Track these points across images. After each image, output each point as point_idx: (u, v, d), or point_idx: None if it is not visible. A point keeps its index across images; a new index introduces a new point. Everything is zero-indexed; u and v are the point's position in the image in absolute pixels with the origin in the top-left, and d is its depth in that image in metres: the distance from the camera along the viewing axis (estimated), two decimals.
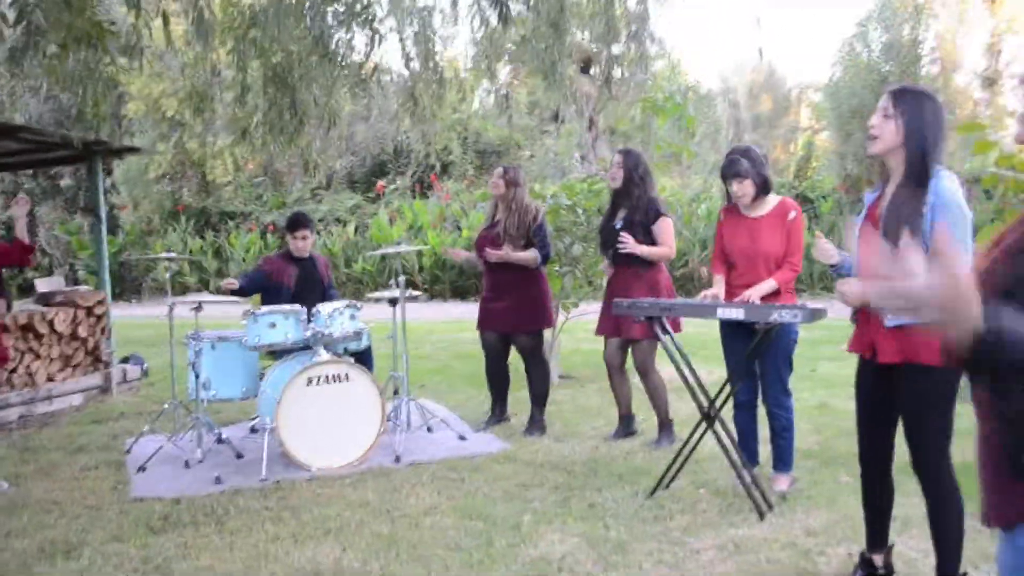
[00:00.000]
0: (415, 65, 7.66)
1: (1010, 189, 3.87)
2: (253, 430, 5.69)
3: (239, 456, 5.10)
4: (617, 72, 9.46)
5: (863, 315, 2.99)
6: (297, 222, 5.88)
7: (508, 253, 5.43)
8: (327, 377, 4.91)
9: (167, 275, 5.69)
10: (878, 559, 3.16)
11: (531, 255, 5.45)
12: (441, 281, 15.10)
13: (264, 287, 5.85)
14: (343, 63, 6.69)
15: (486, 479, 4.60)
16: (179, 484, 4.61)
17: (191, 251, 16.28)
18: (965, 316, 1.21)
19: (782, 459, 4.36)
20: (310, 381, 4.86)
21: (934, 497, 2.90)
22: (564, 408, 6.28)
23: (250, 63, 6.88)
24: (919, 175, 2.79)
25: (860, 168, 15.09)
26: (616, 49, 8.90)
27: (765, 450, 4.52)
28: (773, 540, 3.61)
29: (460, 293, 15.04)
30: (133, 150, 8.35)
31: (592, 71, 14.72)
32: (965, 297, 1.21)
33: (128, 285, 16.57)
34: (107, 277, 7.64)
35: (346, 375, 4.96)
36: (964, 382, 2.28)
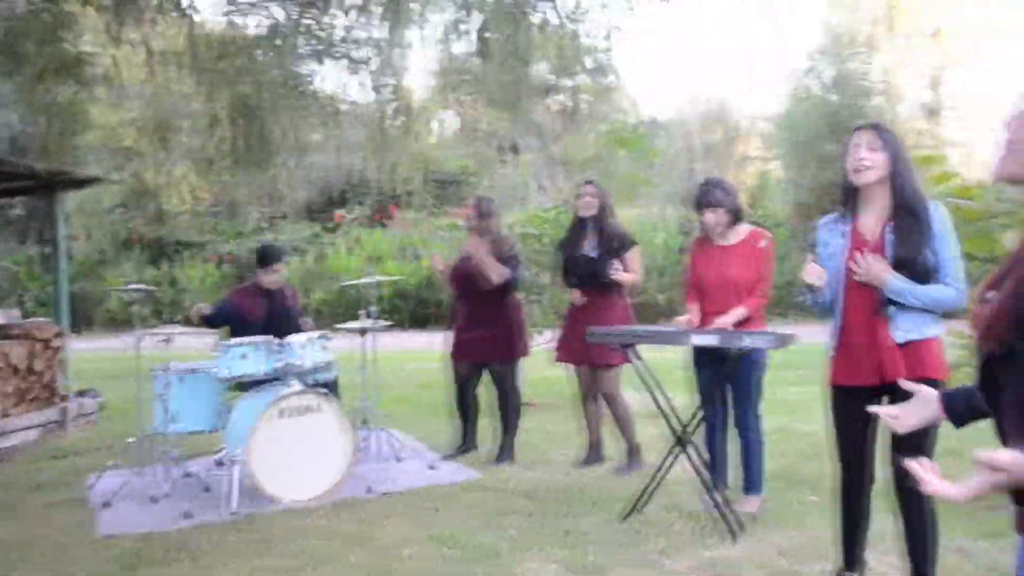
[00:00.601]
0: (383, 96, 7.76)
1: (968, 217, 4.04)
2: (219, 463, 5.62)
3: (206, 490, 5.03)
4: (581, 103, 9.67)
5: (861, 341, 3.05)
6: (270, 256, 5.85)
7: (483, 254, 5.44)
8: (299, 408, 4.88)
9: (134, 306, 5.60)
10: None
11: (501, 268, 5.46)
12: (400, 311, 15.07)
13: (232, 320, 5.80)
14: (314, 95, 6.75)
15: (459, 508, 4.61)
16: (147, 520, 4.53)
17: (145, 282, 16.02)
18: None
19: (752, 481, 4.44)
20: (281, 413, 4.83)
21: (916, 513, 2.98)
22: (531, 436, 6.31)
23: (219, 94, 6.88)
24: (916, 204, 2.97)
25: (813, 197, 15.47)
26: (578, 80, 9.09)
27: (733, 473, 4.60)
28: (748, 560, 3.69)
29: (419, 322, 15.02)
30: (96, 180, 8.22)
31: (550, 102, 14.99)
32: None
33: (79, 317, 16.20)
34: (65, 309, 7.51)
35: (318, 406, 4.94)
36: None
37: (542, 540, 4.04)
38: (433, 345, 12.68)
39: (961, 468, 1.41)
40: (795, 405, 7.08)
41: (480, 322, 5.65)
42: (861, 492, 3.19)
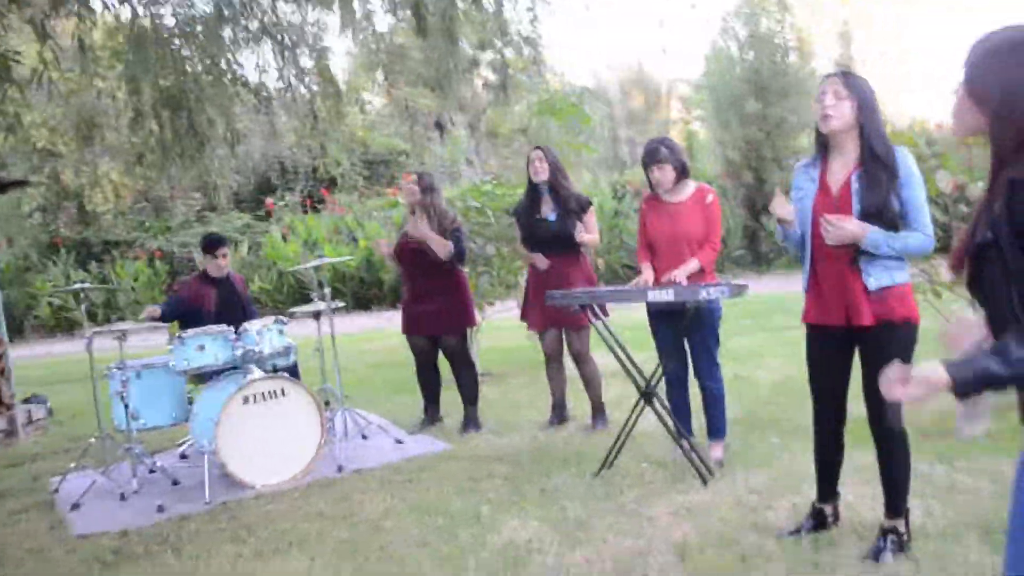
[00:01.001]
0: (310, 80, 7.66)
1: None
2: (183, 456, 5.58)
3: (175, 483, 4.99)
4: (508, 77, 9.68)
5: (832, 285, 3.14)
6: (216, 241, 5.81)
7: (426, 232, 5.48)
8: (264, 394, 4.88)
9: (82, 307, 5.47)
10: (828, 509, 3.43)
11: (447, 243, 5.50)
12: (342, 294, 14.95)
13: (183, 312, 5.74)
14: (243, 83, 6.63)
15: (435, 478, 4.68)
16: (120, 517, 4.48)
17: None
18: None
19: (716, 428, 4.61)
20: (247, 400, 4.82)
21: (889, 445, 3.14)
22: (494, 404, 6.39)
23: (142, 87, 6.71)
24: (883, 151, 3.03)
25: (739, 154, 15.82)
26: (506, 53, 9.09)
27: (696, 422, 4.76)
28: (721, 502, 3.84)
29: (362, 304, 14.95)
30: (22, 183, 7.94)
31: (476, 77, 14.96)
32: None
33: (9, 325, 15.67)
34: (1, 318, 7.31)
35: (282, 390, 4.94)
36: None
37: (520, 501, 4.14)
38: (379, 325, 12.73)
39: None
40: (744, 354, 7.31)
41: (427, 296, 5.69)
42: (835, 427, 3.32)
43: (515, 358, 8.27)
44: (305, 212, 17.23)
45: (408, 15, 6.39)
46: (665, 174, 4.42)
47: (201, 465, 5.17)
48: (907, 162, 3.08)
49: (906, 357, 3.03)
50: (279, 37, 7.03)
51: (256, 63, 6.96)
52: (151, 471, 5.12)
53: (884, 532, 3.17)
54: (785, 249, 15.63)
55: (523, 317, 5.68)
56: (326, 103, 7.90)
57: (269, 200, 17.42)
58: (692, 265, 4.35)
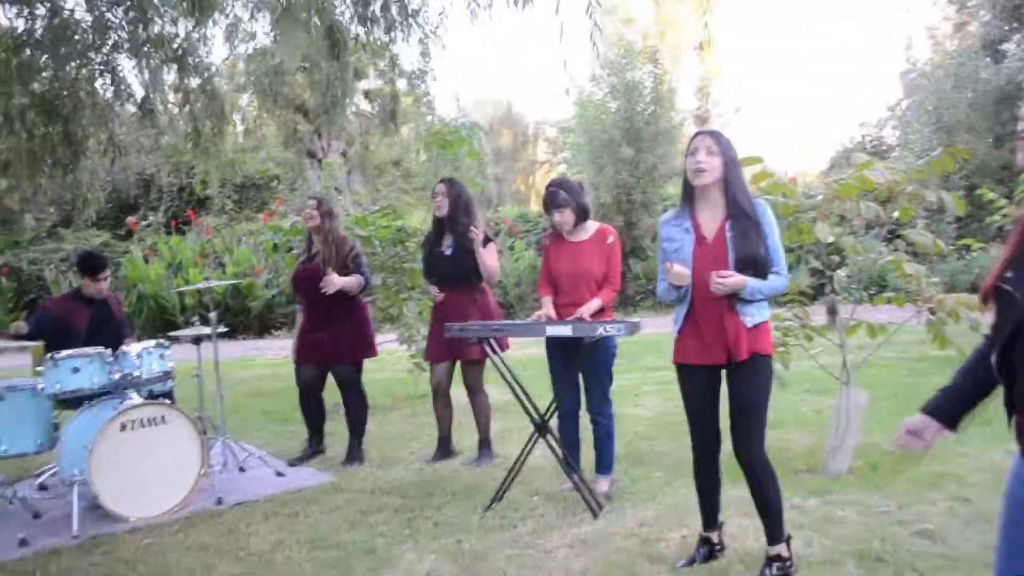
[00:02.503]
0: (195, 97, 7.44)
1: (783, 212, 4.54)
2: (42, 487, 5.22)
3: (36, 515, 4.67)
4: (396, 107, 9.72)
5: (711, 327, 3.33)
6: (99, 264, 5.53)
7: (335, 279, 5.41)
8: (143, 421, 4.65)
9: None
10: (714, 536, 3.60)
11: (355, 280, 5.48)
12: (206, 321, 14.42)
13: (51, 331, 5.40)
14: (127, 94, 6.37)
15: (323, 510, 4.58)
16: None
17: None
18: None
19: (604, 463, 4.73)
20: (124, 427, 4.58)
21: (760, 475, 3.33)
22: (376, 437, 6.32)
23: (13, 89, 6.33)
24: (748, 205, 3.30)
25: (611, 197, 16.36)
26: (394, 85, 9.14)
27: (584, 456, 4.87)
28: (614, 534, 3.95)
29: (228, 332, 14.41)
30: None
31: (359, 106, 14.90)
32: None
33: None
34: None
35: (163, 417, 4.73)
36: None
37: (414, 534, 4.11)
38: (247, 353, 12.33)
39: None
40: (621, 392, 7.50)
41: (324, 323, 5.61)
42: (713, 458, 3.52)
43: (394, 391, 8.22)
44: (169, 233, 16.53)
45: (299, 36, 6.32)
46: (565, 216, 4.57)
47: (65, 495, 4.90)
48: (767, 213, 3.38)
49: (770, 386, 3.31)
50: (164, 50, 6.81)
51: (141, 75, 6.70)
52: (10, 502, 4.76)
53: (770, 560, 3.36)
54: (652, 293, 16.24)
55: (426, 347, 5.68)
56: (210, 121, 7.69)
57: (131, 219, 16.61)
58: (594, 304, 4.49)
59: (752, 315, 3.31)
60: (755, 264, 3.27)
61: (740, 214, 3.29)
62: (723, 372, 3.41)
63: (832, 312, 4.83)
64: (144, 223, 16.89)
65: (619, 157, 16.14)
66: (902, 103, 23.12)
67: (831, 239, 4.57)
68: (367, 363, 5.87)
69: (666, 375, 8.79)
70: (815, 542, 3.70)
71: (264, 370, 10.27)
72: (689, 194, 3.42)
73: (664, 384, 8.10)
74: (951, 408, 2.07)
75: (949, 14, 25.08)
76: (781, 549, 3.36)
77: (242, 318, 14.51)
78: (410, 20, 5.33)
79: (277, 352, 12.15)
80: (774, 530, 3.37)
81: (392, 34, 5.53)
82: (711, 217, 3.37)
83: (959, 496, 4.21)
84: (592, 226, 4.69)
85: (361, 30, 5.55)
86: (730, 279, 3.21)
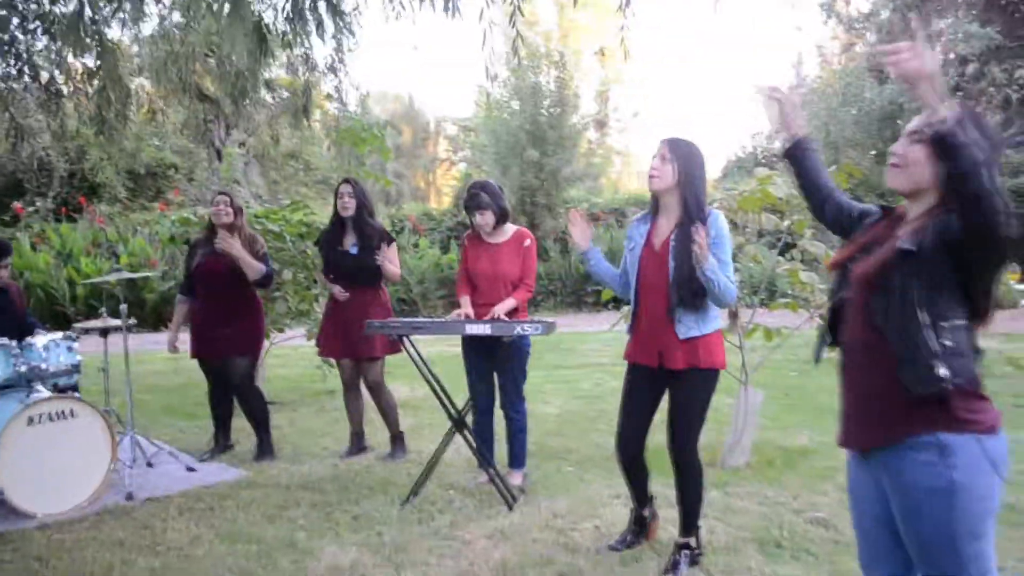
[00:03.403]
0: (100, 81, 7.25)
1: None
2: None
3: None
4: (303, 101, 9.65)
5: (649, 330, 3.50)
6: (2, 250, 5.33)
7: (239, 250, 5.37)
8: (51, 415, 4.55)
9: None
10: (647, 511, 3.83)
11: (258, 265, 5.43)
12: (97, 312, 13.91)
13: None
14: (31, 76, 6.16)
15: (238, 505, 4.58)
16: None
17: None
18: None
19: (517, 457, 4.90)
20: (31, 420, 4.47)
21: (688, 472, 3.54)
22: (286, 432, 6.32)
23: None
24: (697, 215, 3.39)
25: (516, 199, 16.57)
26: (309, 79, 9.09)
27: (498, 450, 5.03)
28: (531, 525, 4.12)
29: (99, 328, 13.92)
30: None
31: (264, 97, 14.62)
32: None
33: None
34: None
35: (71, 411, 4.63)
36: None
37: (334, 527, 4.18)
38: (143, 347, 11.95)
39: None
40: (527, 390, 7.71)
41: (218, 318, 5.56)
42: (637, 452, 3.68)
43: (303, 387, 8.19)
44: (59, 220, 15.83)
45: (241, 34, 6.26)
46: (486, 218, 4.72)
47: None
48: (719, 224, 3.47)
49: (707, 398, 3.50)
50: (71, 30, 6.60)
51: (48, 56, 6.49)
52: None
53: (679, 548, 3.58)
54: (553, 293, 16.55)
55: (318, 344, 5.70)
56: (113, 106, 7.49)
57: (17, 204, 15.81)
58: (509, 303, 4.65)
59: (688, 328, 3.40)
60: (692, 276, 3.34)
61: (688, 224, 3.37)
62: (668, 376, 3.50)
63: (733, 316, 5.13)
64: (31, 208, 16.11)
65: (524, 159, 16.37)
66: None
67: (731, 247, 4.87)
68: (273, 359, 5.85)
69: (569, 374, 9.07)
70: (718, 530, 3.96)
71: (163, 365, 9.99)
72: (654, 200, 3.57)
73: (567, 383, 8.35)
74: (805, 154, 2.52)
75: (838, 34, 26.42)
76: (691, 539, 3.59)
77: (136, 311, 14.04)
78: (338, 20, 5.36)
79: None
80: (689, 521, 3.59)
81: (321, 32, 5.55)
82: (666, 224, 3.49)
83: (847, 487, 4.56)
84: (510, 229, 4.85)
85: (288, 27, 5.54)
86: (703, 249, 3.25)
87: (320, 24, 5.35)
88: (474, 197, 4.75)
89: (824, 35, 27.74)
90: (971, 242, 1.91)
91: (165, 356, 10.92)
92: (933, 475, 1.99)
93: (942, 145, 1.86)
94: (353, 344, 5.35)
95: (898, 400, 2.02)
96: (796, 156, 2.52)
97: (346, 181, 5.54)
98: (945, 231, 1.96)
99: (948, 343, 1.96)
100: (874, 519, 2.23)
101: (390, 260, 5.42)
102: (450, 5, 4.71)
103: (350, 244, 5.45)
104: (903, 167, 2.12)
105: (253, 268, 5.42)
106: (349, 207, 5.40)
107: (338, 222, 5.51)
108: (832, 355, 2.30)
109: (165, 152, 17.96)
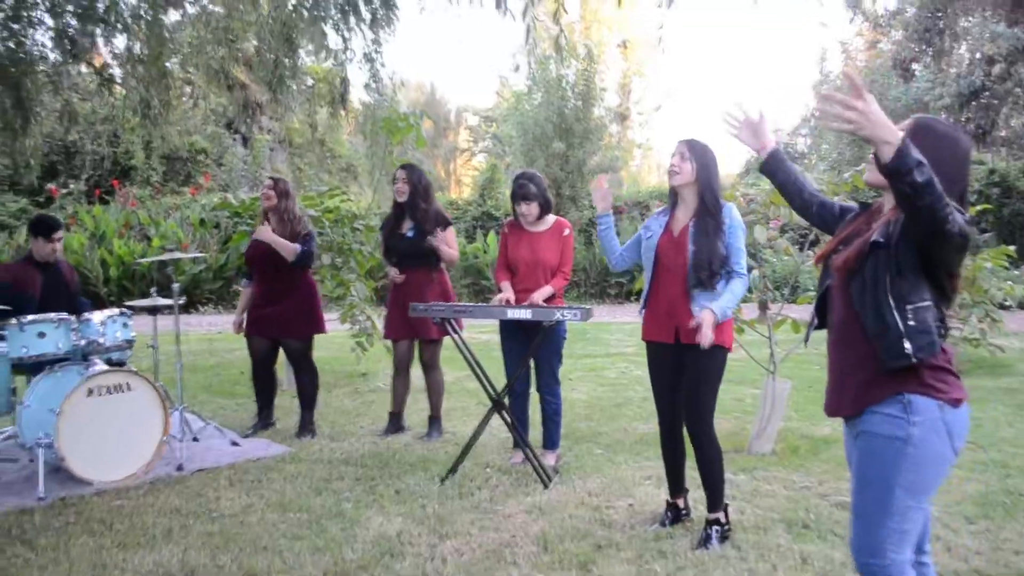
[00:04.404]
0: (145, 68, 7.47)
1: None
2: None
3: None
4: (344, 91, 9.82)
5: (666, 309, 3.74)
6: (53, 224, 5.56)
7: (271, 235, 5.60)
8: (109, 387, 4.77)
9: None
10: (680, 502, 4.00)
11: (294, 246, 5.64)
12: (129, 293, 14.19)
13: (5, 297, 5.42)
14: (86, 62, 6.38)
15: (285, 478, 4.79)
16: None
17: None
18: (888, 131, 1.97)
19: (551, 439, 5.09)
20: (91, 392, 4.69)
21: (706, 450, 3.74)
22: (323, 412, 6.53)
23: None
24: (713, 207, 3.67)
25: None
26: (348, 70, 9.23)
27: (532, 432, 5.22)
28: (566, 502, 4.30)
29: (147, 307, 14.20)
30: None
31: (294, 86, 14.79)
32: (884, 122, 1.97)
33: None
34: None
35: (128, 384, 4.85)
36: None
37: (379, 499, 4.38)
38: (170, 328, 12.22)
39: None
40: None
41: (274, 298, 5.78)
42: (673, 428, 3.90)
43: (336, 369, 8.40)
44: (91, 203, 16.12)
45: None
46: (531, 208, 4.90)
47: (19, 460, 5.00)
48: (732, 214, 3.75)
49: (719, 376, 3.71)
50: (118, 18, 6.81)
51: (99, 43, 6.70)
52: None
53: (709, 523, 3.76)
54: (577, 284, 16.70)
55: (384, 325, 5.90)
56: (157, 91, 7.71)
57: (52, 186, 16.12)
58: (547, 290, 4.84)
59: (702, 307, 3.62)
60: (710, 259, 3.63)
61: (705, 214, 3.67)
62: (683, 351, 3.74)
63: (763, 307, 5.28)
64: (65, 191, 16.43)
65: (550, 151, 16.52)
66: (815, 113, 24.20)
67: (763, 240, 5.02)
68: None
69: (594, 363, 9.24)
70: (747, 511, 4.13)
71: (197, 345, 10.26)
72: (673, 194, 3.83)
73: (593, 371, 8.53)
74: (779, 165, 2.73)
75: (863, 30, 26.33)
76: (719, 515, 3.77)
77: (168, 293, 14.31)
78: (387, 11, 5.53)
79: (207, 328, 12.11)
80: (715, 498, 3.76)
81: (360, 20, 5.71)
82: (684, 214, 3.78)
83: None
84: (550, 218, 5.03)
85: (335, 16, 5.71)
86: (705, 326, 3.51)
87: (374, 15, 5.50)
88: (522, 187, 4.92)
89: (849, 32, 27.68)
90: (926, 241, 2.14)
91: (199, 336, 11.24)
92: (895, 425, 2.23)
93: (888, 175, 2.03)
94: (411, 325, 5.54)
95: (873, 372, 2.27)
96: (771, 169, 2.75)
97: (402, 167, 5.74)
98: (908, 228, 2.19)
99: (912, 322, 2.20)
100: None
101: (447, 243, 5.60)
102: (503, 4, 4.87)
103: (407, 228, 5.64)
104: (872, 165, 2.33)
105: (287, 249, 5.63)
106: (403, 192, 5.59)
107: (397, 207, 5.71)
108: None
109: (195, 137, 18.22)
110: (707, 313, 3.55)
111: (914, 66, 22.18)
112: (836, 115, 2.02)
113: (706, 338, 3.50)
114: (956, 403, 2.24)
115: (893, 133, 1.97)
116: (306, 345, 5.97)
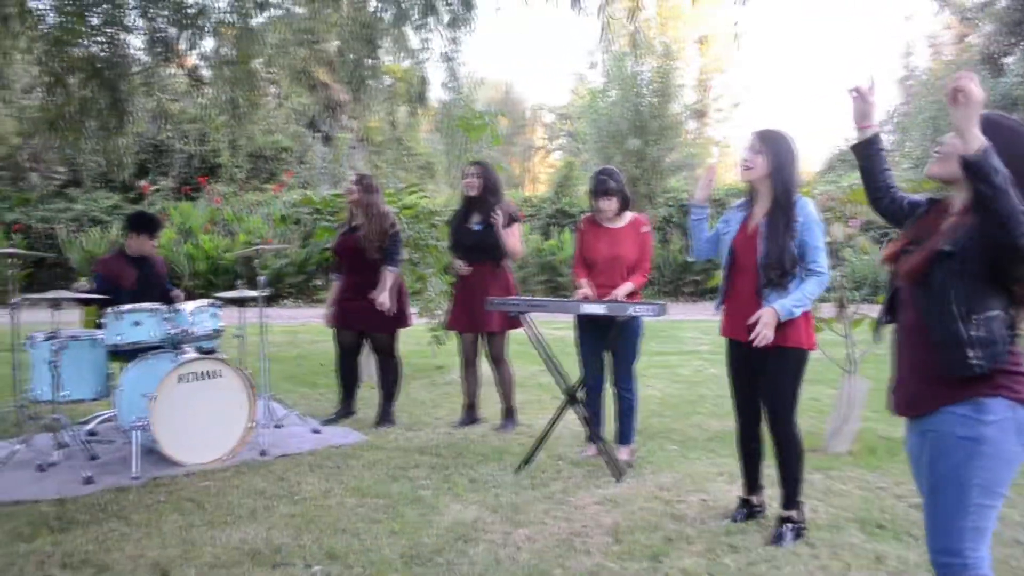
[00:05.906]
0: (231, 69, 7.72)
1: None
2: (91, 432, 5.55)
3: (93, 458, 5.00)
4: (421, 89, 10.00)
5: (740, 308, 3.69)
6: (155, 223, 5.84)
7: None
8: (199, 374, 4.99)
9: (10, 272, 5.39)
10: (755, 499, 3.99)
11: (393, 277, 5.88)
12: (215, 286, 14.71)
13: (106, 290, 5.72)
14: (177, 63, 6.65)
15: (364, 465, 4.93)
16: (45, 487, 4.46)
17: None
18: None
19: (625, 434, 5.11)
20: (182, 378, 4.92)
21: (788, 446, 3.71)
22: (401, 403, 6.63)
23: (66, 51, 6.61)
24: (785, 203, 3.58)
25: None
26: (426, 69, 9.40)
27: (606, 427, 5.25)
28: (638, 495, 4.33)
29: (237, 298, 14.71)
30: None
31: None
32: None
33: None
34: None
35: (218, 372, 5.07)
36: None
37: (453, 488, 4.48)
38: (257, 320, 12.63)
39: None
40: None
41: (362, 292, 5.94)
42: (752, 426, 3.88)
43: (413, 362, 8.56)
44: (179, 199, 16.76)
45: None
46: (611, 204, 4.93)
47: (116, 441, 5.27)
48: (807, 210, 3.63)
49: (796, 377, 3.65)
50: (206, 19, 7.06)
51: (187, 45, 6.96)
52: (60, 445, 5.06)
53: (782, 520, 3.74)
54: (652, 283, 16.61)
55: (450, 317, 6.03)
56: (242, 91, 7.97)
57: (144, 183, 16.81)
58: (628, 287, 4.87)
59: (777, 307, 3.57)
60: (780, 258, 3.54)
61: (777, 210, 3.59)
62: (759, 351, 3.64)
63: (842, 306, 5.21)
64: (155, 188, 17.10)
65: (626, 149, 16.47)
66: (899, 109, 23.51)
67: (841, 238, 4.95)
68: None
69: (668, 360, 9.21)
70: (820, 510, 4.09)
71: (280, 336, 10.59)
72: (751, 189, 3.76)
73: (667, 368, 8.50)
74: (875, 152, 2.65)
75: (951, 23, 25.45)
76: (793, 513, 3.75)
77: (251, 286, 14.78)
78: (466, 11, 5.63)
79: (288, 320, 12.47)
80: (791, 496, 3.74)
81: (440, 20, 5.83)
82: (760, 210, 3.69)
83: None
84: (628, 215, 5.05)
85: (415, 15, 5.84)
86: (763, 324, 3.50)
87: (453, 16, 5.62)
88: (603, 183, 4.96)
89: (936, 25, 26.80)
90: (999, 251, 2.12)
91: (282, 328, 11.59)
92: (967, 426, 2.23)
93: (969, 170, 2.03)
94: (475, 318, 5.65)
95: (940, 376, 2.27)
96: (866, 153, 2.68)
97: (474, 163, 5.86)
98: (979, 235, 2.16)
99: (979, 333, 2.19)
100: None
101: (510, 235, 5.69)
102: (577, 2, 4.92)
103: (475, 222, 5.76)
104: (943, 157, 2.31)
105: (394, 286, 5.89)
106: (474, 187, 5.71)
107: (465, 202, 5.83)
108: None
109: (279, 136, 18.75)
110: (768, 311, 3.51)
111: (1005, 60, 21.34)
112: (960, 88, 2.03)
113: (763, 337, 3.48)
114: None
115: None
116: (392, 338, 6.13)
